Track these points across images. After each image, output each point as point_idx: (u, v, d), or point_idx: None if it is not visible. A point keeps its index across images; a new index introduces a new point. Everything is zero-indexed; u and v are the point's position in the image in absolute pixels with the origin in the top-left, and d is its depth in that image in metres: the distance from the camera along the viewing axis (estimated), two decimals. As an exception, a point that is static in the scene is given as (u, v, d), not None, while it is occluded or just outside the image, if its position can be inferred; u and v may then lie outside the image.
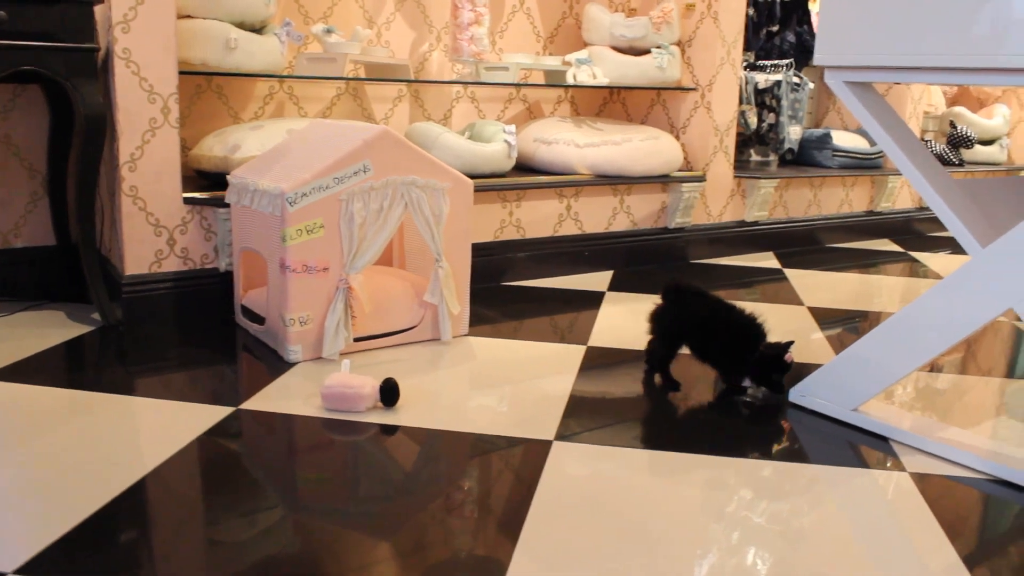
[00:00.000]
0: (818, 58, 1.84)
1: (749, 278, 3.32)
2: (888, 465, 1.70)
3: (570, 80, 3.26)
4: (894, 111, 1.88)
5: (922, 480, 1.63)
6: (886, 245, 4.26)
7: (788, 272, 3.46)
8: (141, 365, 2.09)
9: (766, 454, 1.72)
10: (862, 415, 1.89)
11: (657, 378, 2.11)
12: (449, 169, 2.26)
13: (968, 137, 4.78)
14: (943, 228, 4.77)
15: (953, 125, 4.81)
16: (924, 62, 1.69)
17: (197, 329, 2.36)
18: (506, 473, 1.58)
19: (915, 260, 3.89)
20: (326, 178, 2.06)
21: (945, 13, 1.65)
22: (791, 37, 4.12)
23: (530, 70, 3.35)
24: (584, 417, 1.86)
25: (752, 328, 2.02)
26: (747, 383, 2.06)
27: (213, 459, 1.59)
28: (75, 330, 2.32)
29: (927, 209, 4.62)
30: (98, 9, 2.23)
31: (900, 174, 4.18)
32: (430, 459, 1.64)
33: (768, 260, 3.68)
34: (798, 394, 2.00)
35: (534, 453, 1.66)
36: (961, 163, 4.78)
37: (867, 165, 4.24)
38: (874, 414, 1.89)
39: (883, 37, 1.74)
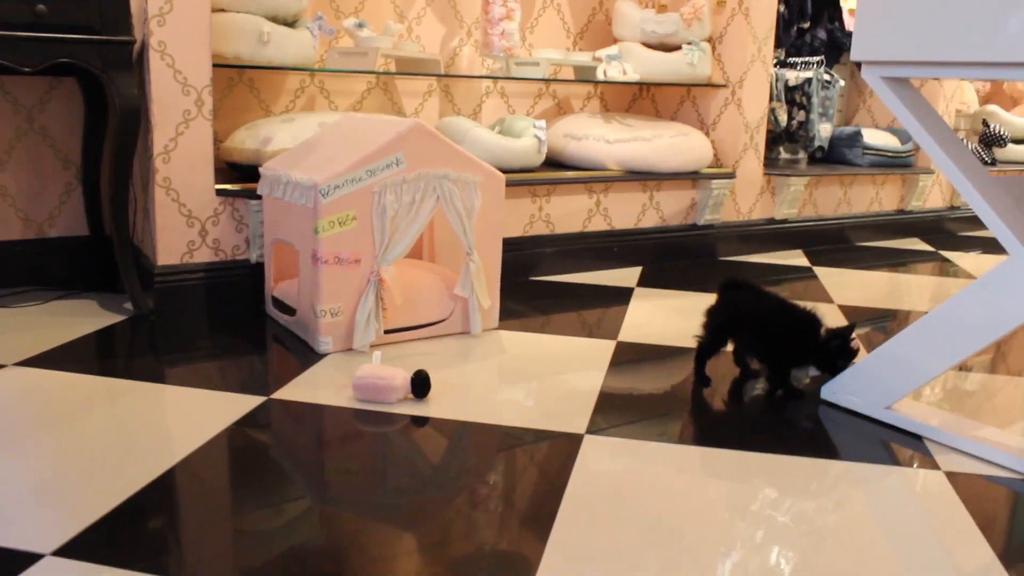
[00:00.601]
0: (855, 54, 1.83)
1: (778, 276, 3.30)
2: (921, 463, 1.68)
3: (600, 76, 3.25)
4: (931, 107, 1.86)
5: (956, 479, 1.62)
6: (916, 244, 4.22)
7: (818, 270, 3.43)
8: (172, 354, 2.11)
9: (796, 451, 1.71)
10: (895, 413, 1.87)
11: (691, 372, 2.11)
12: (481, 163, 2.26)
13: (1001, 136, 4.72)
14: (974, 228, 4.72)
15: (986, 123, 4.75)
16: (961, 56, 1.67)
17: (228, 320, 2.38)
18: (535, 467, 1.58)
19: (945, 259, 3.84)
20: (359, 170, 2.06)
21: (982, 7, 1.63)
22: (822, 34, 4.09)
23: (560, 65, 3.34)
24: (614, 412, 1.85)
25: (813, 322, 2.01)
26: (805, 374, 2.03)
27: (243, 448, 1.60)
28: (107, 319, 2.35)
29: (958, 208, 4.58)
30: (134, 2, 2.25)
31: (931, 173, 4.15)
32: (460, 452, 1.64)
33: (797, 258, 3.66)
34: (830, 391, 1.98)
35: (564, 448, 1.66)
36: (994, 162, 4.73)
37: (898, 164, 4.20)
38: (907, 412, 1.87)
39: (920, 32, 1.72)
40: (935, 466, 1.67)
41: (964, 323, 1.73)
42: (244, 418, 1.73)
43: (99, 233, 2.68)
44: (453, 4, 3.24)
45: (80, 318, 2.35)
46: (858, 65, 4.42)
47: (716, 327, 2.07)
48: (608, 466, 1.59)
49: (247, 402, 1.81)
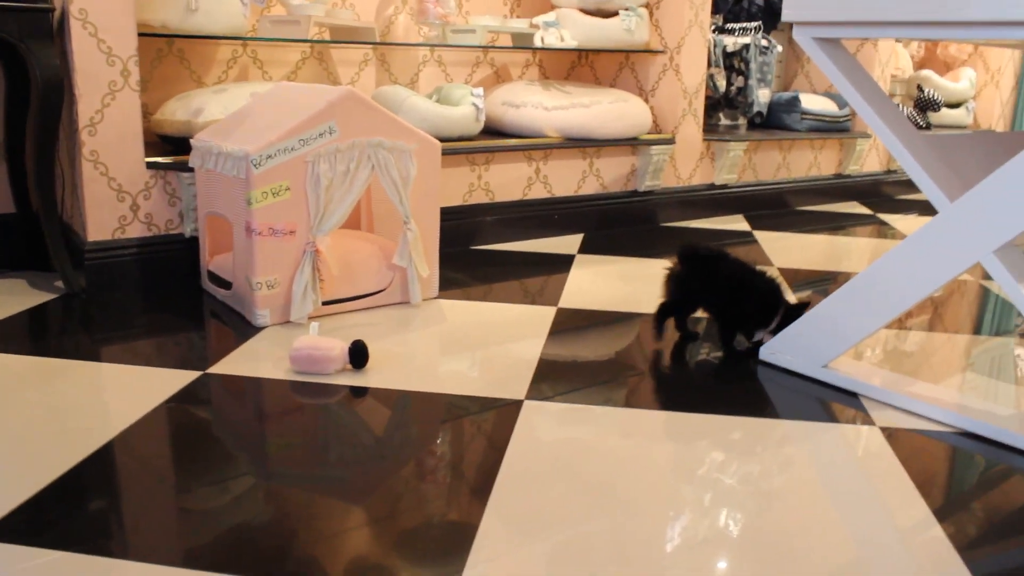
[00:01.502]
0: (786, 14, 1.83)
1: (719, 240, 3.33)
2: (858, 420, 1.72)
3: (538, 43, 3.23)
4: (864, 69, 1.88)
5: (892, 435, 1.65)
6: (854, 208, 4.28)
7: (758, 234, 3.47)
8: (106, 332, 2.06)
9: (736, 411, 1.73)
10: (832, 371, 1.90)
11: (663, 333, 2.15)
12: (416, 130, 2.23)
13: (935, 100, 4.81)
14: (911, 191, 4.81)
15: (920, 88, 4.83)
16: (894, 16, 1.68)
17: (163, 295, 2.33)
18: (477, 436, 1.57)
19: (883, 223, 3.91)
20: (291, 140, 2.03)
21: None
22: (759, 0, 4.11)
23: (497, 33, 3.31)
24: (554, 378, 1.86)
25: (773, 288, 2.05)
26: (759, 337, 2.07)
27: (181, 424, 1.57)
28: (37, 298, 2.29)
29: (895, 172, 4.66)
30: (53, -32, 2.17)
31: (868, 137, 4.21)
32: (401, 422, 1.63)
33: (738, 223, 3.70)
34: (768, 352, 2.01)
35: (505, 415, 1.66)
36: (928, 126, 4.81)
37: (835, 128, 4.26)
38: (844, 371, 1.91)
39: (850, -8, 1.73)
40: (871, 422, 1.71)
41: (896, 281, 1.76)
42: (180, 392, 1.70)
43: (26, 210, 2.59)
44: (388, -29, 3.19)
45: (9, 297, 2.28)
46: (790, 26, 4.45)
47: (686, 292, 2.09)
48: (549, 432, 1.59)
49: (183, 377, 1.78)
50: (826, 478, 1.46)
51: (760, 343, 2.04)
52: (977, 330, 2.35)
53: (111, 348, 1.95)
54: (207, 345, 2.02)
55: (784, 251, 3.18)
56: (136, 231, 2.35)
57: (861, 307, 1.81)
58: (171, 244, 2.41)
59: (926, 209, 4.34)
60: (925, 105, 4.81)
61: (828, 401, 1.81)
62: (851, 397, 1.83)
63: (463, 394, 1.74)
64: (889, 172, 4.63)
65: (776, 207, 4.05)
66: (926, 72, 4.95)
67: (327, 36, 2.97)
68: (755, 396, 1.82)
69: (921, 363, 2.07)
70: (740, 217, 3.82)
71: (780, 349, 1.99)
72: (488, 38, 3.14)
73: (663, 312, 2.11)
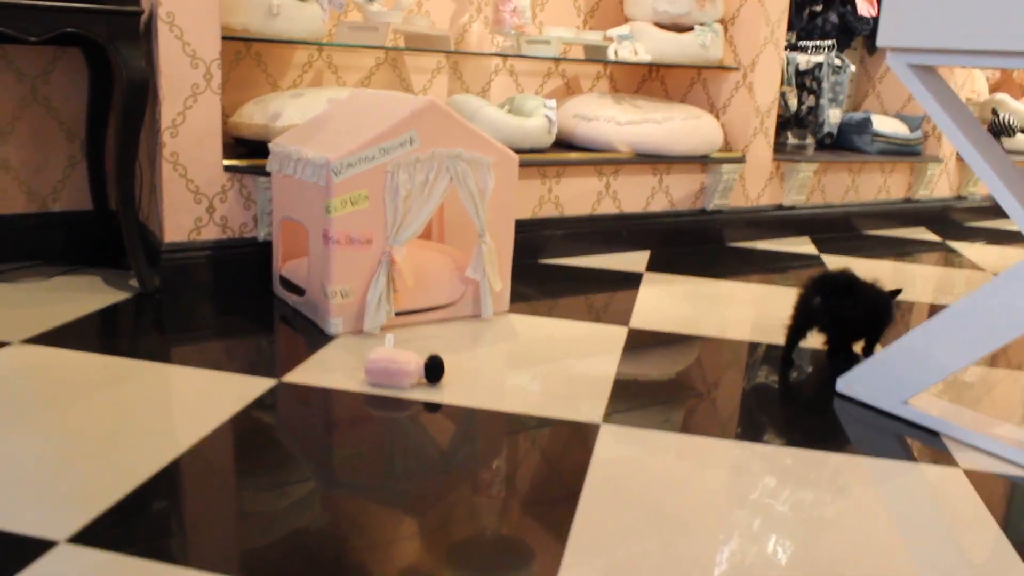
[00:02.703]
0: (882, 39, 1.79)
1: (787, 263, 3.27)
2: (940, 460, 1.66)
3: (611, 56, 3.21)
4: (956, 95, 1.83)
5: (975, 477, 1.60)
6: (922, 233, 4.19)
7: (826, 258, 3.41)
8: (179, 333, 2.07)
9: (814, 444, 1.69)
10: (911, 408, 1.85)
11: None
12: (494, 143, 2.22)
13: (1010, 126, 4.69)
14: (979, 218, 4.70)
15: (995, 112, 4.71)
16: (997, 45, 1.63)
17: (235, 299, 2.34)
18: (551, 457, 1.55)
19: (951, 250, 3.82)
20: (372, 148, 2.02)
21: (1020, -5, 1.59)
22: (834, 18, 4.04)
23: (570, 44, 3.29)
24: (629, 401, 1.82)
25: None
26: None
27: (255, 433, 1.57)
28: (112, 296, 2.31)
29: (964, 198, 4.55)
30: (143, -29, 2.19)
31: (940, 161, 4.12)
32: (473, 439, 1.62)
33: (805, 245, 3.63)
34: (845, 384, 1.96)
35: (580, 437, 1.63)
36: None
37: (906, 152, 4.17)
38: (923, 407, 1.85)
39: (950, 19, 1.68)
40: (954, 463, 1.65)
41: (987, 318, 1.70)
42: (256, 401, 1.70)
43: (103, 208, 2.63)
44: (464, -20, 3.18)
45: (84, 295, 2.31)
46: (869, 49, 4.37)
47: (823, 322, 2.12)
48: (626, 457, 1.56)
49: (257, 384, 1.78)
50: (905, 518, 1.42)
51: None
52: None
53: (184, 350, 1.96)
54: (279, 352, 2.03)
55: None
56: (211, 233, 2.37)
57: (950, 342, 1.76)
58: (244, 247, 2.42)
59: (993, 237, 4.23)
60: (999, 130, 4.69)
61: (908, 438, 1.76)
62: (932, 436, 1.78)
63: (536, 414, 1.72)
64: (959, 198, 4.52)
65: (843, 230, 3.97)
66: (1001, 96, 4.83)
67: (402, 43, 2.97)
68: (832, 429, 1.77)
69: (999, 401, 2.01)
70: (807, 239, 3.76)
71: (858, 381, 1.94)
72: (562, 49, 3.12)
73: (795, 339, 2.12)
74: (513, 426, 1.67)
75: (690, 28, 3.34)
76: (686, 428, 1.71)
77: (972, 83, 4.61)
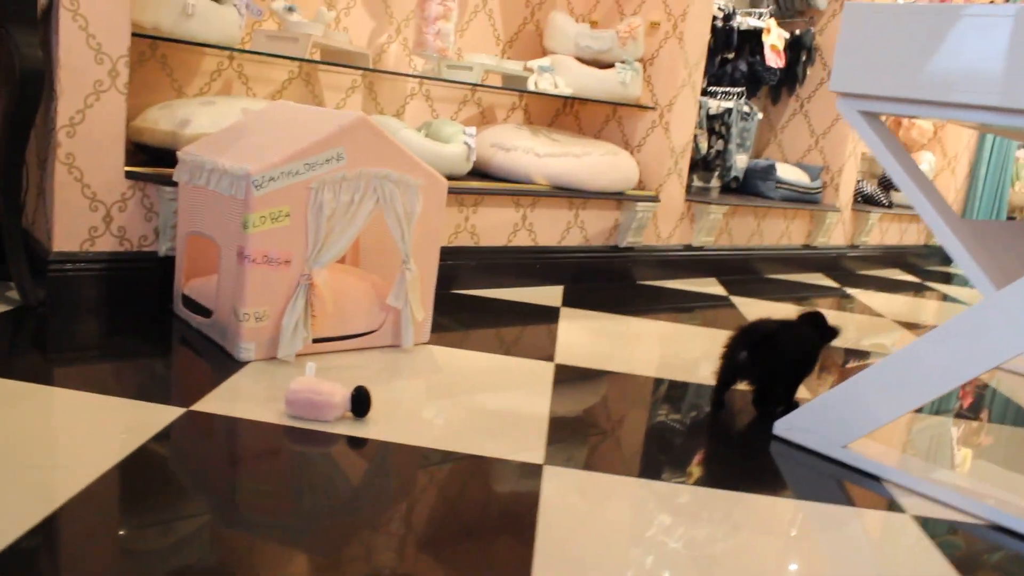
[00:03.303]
0: (835, 83, 1.77)
1: (699, 303, 3.26)
2: (887, 507, 1.63)
3: (531, 87, 3.15)
4: (899, 144, 1.83)
5: (927, 525, 1.57)
6: (820, 279, 4.28)
7: (735, 299, 3.42)
8: (70, 353, 1.86)
9: (755, 487, 1.63)
10: (852, 452, 1.82)
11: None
12: (424, 165, 2.11)
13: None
14: (869, 267, 4.85)
15: (885, 167, 4.90)
16: (956, 98, 1.62)
17: (131, 317, 2.13)
18: (491, 497, 1.43)
19: (847, 296, 3.91)
20: (296, 163, 1.88)
21: (973, 48, 1.60)
22: (743, 66, 4.11)
23: (490, 72, 3.22)
24: (566, 441, 1.73)
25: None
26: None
27: (163, 467, 1.40)
28: (-12, 310, 2.07)
29: (857, 247, 4.70)
30: (45, -46, 2.00)
31: (837, 211, 4.23)
32: (400, 476, 1.48)
33: (713, 286, 3.64)
34: (784, 427, 1.92)
35: (522, 478, 1.52)
36: (891, 204, 4.88)
37: (806, 199, 4.27)
38: (863, 451, 1.83)
39: (902, 69, 1.68)
40: (900, 509, 1.62)
41: (936, 364, 1.69)
42: (161, 432, 1.51)
43: (-22, 212, 2.37)
44: (385, -2, 3.07)
45: (-46, 306, 2.06)
46: (773, 99, 4.47)
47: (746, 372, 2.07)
48: (570, 503, 1.46)
49: (163, 413, 1.59)
50: (863, 566, 1.36)
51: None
52: (998, 418, 2.32)
53: (75, 372, 1.75)
54: (185, 378, 1.84)
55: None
56: (106, 244, 2.16)
57: (894, 388, 1.73)
58: (143, 262, 2.22)
59: (882, 285, 4.37)
60: (889, 184, 4.88)
61: (850, 483, 1.72)
62: (873, 481, 1.75)
63: (474, 453, 1.60)
64: (852, 247, 4.66)
65: (746, 273, 4.02)
66: (890, 153, 5.02)
67: (318, 57, 2.83)
68: (771, 473, 1.72)
69: (937, 447, 2.01)
70: (714, 280, 3.77)
71: (796, 425, 1.90)
72: (482, 76, 3.04)
73: (723, 387, 2.07)
74: (447, 464, 1.54)
75: (610, 65, 3.32)
76: (637, 472, 1.63)
77: (866, 138, 4.77)
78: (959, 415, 2.31)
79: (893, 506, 1.64)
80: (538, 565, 1.24)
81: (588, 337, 2.52)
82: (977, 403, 2.45)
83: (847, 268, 4.68)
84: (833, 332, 2.13)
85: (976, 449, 2.07)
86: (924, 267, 5.40)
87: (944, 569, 1.40)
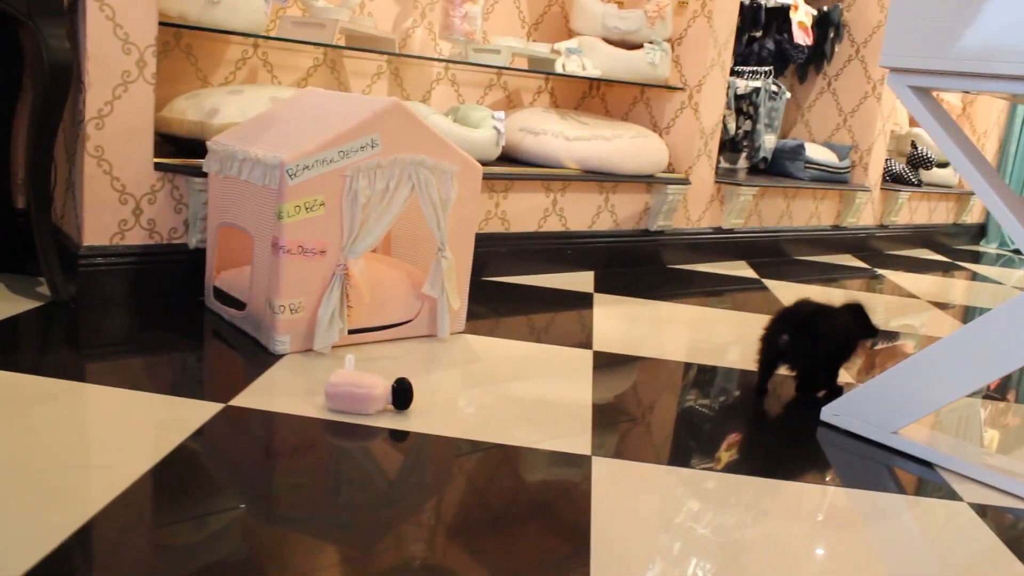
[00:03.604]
0: (884, 59, 1.72)
1: (732, 287, 3.21)
2: (942, 494, 1.58)
3: (559, 69, 3.10)
4: (950, 117, 1.77)
5: (985, 513, 1.52)
6: (849, 260, 4.22)
7: (767, 283, 3.36)
8: (104, 349, 1.84)
9: (804, 477, 1.59)
10: (902, 438, 1.77)
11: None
12: (459, 151, 2.06)
13: (927, 158, 4.80)
14: (899, 247, 4.78)
15: (914, 145, 4.82)
16: (1005, 69, 1.57)
17: (163, 311, 2.10)
18: (544, 491, 1.40)
19: (878, 276, 3.85)
20: (331, 151, 1.84)
21: (1020, 20, 1.55)
22: (770, 44, 4.04)
23: (518, 55, 3.17)
24: (611, 431, 1.69)
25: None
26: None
27: (204, 465, 1.37)
28: (19, 305, 2.04)
29: (887, 227, 4.62)
30: (70, -58, 1.96)
31: (868, 191, 4.16)
32: (450, 471, 1.45)
33: (744, 269, 3.59)
34: (831, 413, 1.87)
35: (573, 469, 1.49)
36: (919, 183, 4.80)
37: (835, 179, 4.20)
38: (913, 437, 1.78)
39: (952, 42, 1.63)
40: (956, 496, 1.58)
41: (988, 348, 1.64)
42: (202, 429, 1.48)
43: (6, 206, 2.35)
44: (409, -19, 3.02)
45: (-14, 302, 2.04)
46: (800, 77, 4.39)
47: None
48: (622, 493, 1.42)
49: (202, 409, 1.56)
50: (924, 560, 1.32)
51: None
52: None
53: (111, 369, 1.73)
54: (222, 372, 1.81)
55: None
56: (136, 238, 2.13)
57: (949, 371, 1.69)
58: (173, 255, 2.19)
59: (912, 265, 4.30)
60: (917, 162, 4.80)
61: (903, 470, 1.68)
62: (926, 467, 1.70)
63: (520, 445, 1.56)
64: (882, 227, 4.59)
65: (775, 255, 3.96)
66: (919, 129, 4.94)
67: (343, 43, 2.79)
68: (819, 461, 1.68)
69: (997, 432, 1.96)
70: (744, 263, 3.72)
71: (844, 411, 1.86)
72: (510, 59, 2.99)
73: (766, 373, 2.03)
74: (495, 457, 1.51)
75: (639, 45, 3.26)
76: (681, 462, 1.59)
77: (896, 116, 4.70)
78: (1010, 399, 2.26)
79: (948, 493, 1.60)
80: (596, 557, 1.20)
81: (624, 323, 2.48)
82: (1024, 385, 2.40)
83: (876, 248, 4.60)
84: (871, 331, 2.07)
85: (1029, 433, 2.02)
86: (953, 246, 5.31)
87: (1006, 558, 1.36)
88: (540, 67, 3.13)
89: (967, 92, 1.72)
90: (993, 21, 1.58)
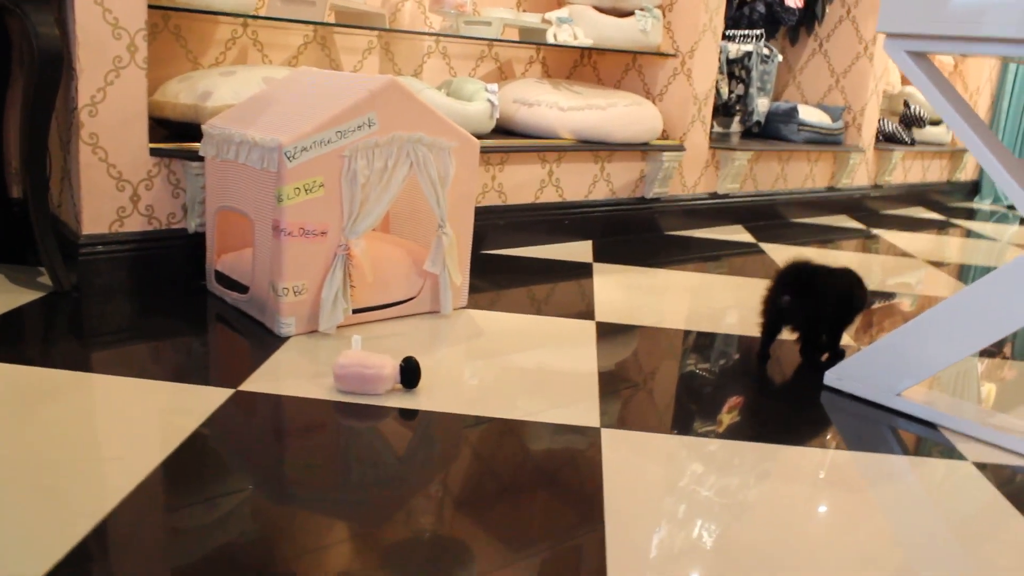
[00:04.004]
0: (881, 24, 1.71)
1: (730, 251, 3.22)
2: (947, 454, 1.61)
3: (550, 39, 3.08)
4: (948, 81, 1.77)
5: (988, 470, 1.54)
6: (845, 221, 4.23)
7: (764, 246, 3.37)
8: (110, 336, 1.84)
9: (811, 441, 1.61)
10: (905, 400, 1.79)
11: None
12: (456, 127, 2.06)
13: (920, 117, 4.79)
14: (895, 206, 4.79)
15: (907, 104, 4.81)
16: (998, 32, 1.58)
17: (165, 297, 2.10)
18: (556, 464, 1.41)
19: (873, 236, 3.86)
20: (328, 131, 1.83)
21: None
22: (761, 8, 4.02)
23: (509, 26, 3.15)
24: (618, 402, 1.70)
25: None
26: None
27: (221, 451, 1.38)
28: (21, 296, 2.04)
29: (880, 187, 4.63)
30: (55, -73, 1.94)
31: (861, 151, 4.16)
32: (476, 449, 1.46)
33: (740, 234, 3.59)
34: (834, 377, 1.89)
35: (581, 442, 1.50)
36: (913, 142, 4.80)
37: (829, 141, 4.20)
38: (915, 398, 1.80)
39: (948, 6, 1.62)
40: (959, 456, 1.60)
41: (990, 308, 1.65)
42: (215, 414, 1.49)
43: (1, 196, 2.34)
44: (397, -45, 2.99)
45: (-13, 294, 2.04)
46: (791, 40, 4.37)
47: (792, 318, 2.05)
48: (632, 463, 1.44)
49: (213, 395, 1.57)
50: (931, 519, 1.34)
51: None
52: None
53: (119, 357, 1.73)
54: (228, 356, 1.82)
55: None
56: (135, 224, 2.13)
57: (951, 333, 1.70)
58: (172, 240, 2.18)
59: (907, 224, 4.32)
60: (910, 121, 4.79)
61: (907, 431, 1.70)
62: (930, 428, 1.72)
63: (531, 419, 1.58)
64: (876, 187, 4.60)
65: (771, 218, 3.97)
66: (911, 88, 4.93)
67: (332, 19, 2.77)
68: (824, 424, 1.70)
69: (990, 389, 1.98)
70: (740, 228, 3.72)
71: (847, 375, 1.87)
72: (501, 31, 2.97)
73: (769, 336, 2.05)
74: (515, 435, 1.52)
75: (629, 13, 3.24)
76: (679, 428, 1.60)
77: (888, 76, 4.69)
78: (1011, 357, 2.28)
79: (952, 453, 1.62)
80: (611, 535, 1.22)
81: (624, 292, 2.49)
82: None
83: (871, 208, 4.61)
84: (860, 300, 2.07)
85: (1030, 390, 2.04)
86: (948, 204, 5.33)
87: (1010, 515, 1.38)
88: (531, 38, 3.11)
89: (963, 56, 1.72)
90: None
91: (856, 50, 4.26)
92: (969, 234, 4.28)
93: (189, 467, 1.31)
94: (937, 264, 3.37)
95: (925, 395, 1.85)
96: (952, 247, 3.83)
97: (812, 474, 1.47)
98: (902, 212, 4.76)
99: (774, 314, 2.01)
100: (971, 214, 5.01)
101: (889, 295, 2.80)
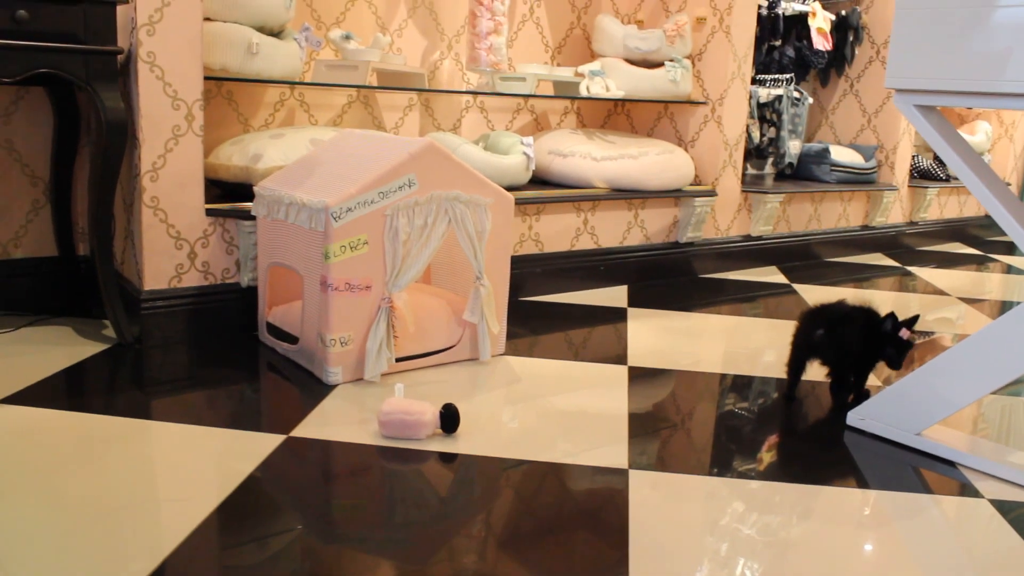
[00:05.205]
0: (890, 81, 1.80)
1: (762, 292, 3.29)
2: (962, 492, 1.66)
3: (583, 92, 3.20)
4: (955, 130, 1.85)
5: (1003, 507, 1.60)
6: (880, 259, 4.27)
7: (797, 287, 3.44)
8: (168, 385, 1.97)
9: (834, 481, 1.67)
10: (925, 439, 1.85)
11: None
12: (491, 184, 2.18)
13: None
14: (929, 242, 4.81)
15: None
16: (1002, 88, 1.65)
17: (219, 348, 2.24)
18: (586, 505, 1.50)
19: (909, 274, 3.90)
20: (371, 192, 1.96)
21: (1019, 41, 1.62)
22: (790, 52, 4.11)
23: (540, 80, 3.28)
24: (647, 444, 1.79)
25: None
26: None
27: (274, 494, 1.49)
28: (87, 348, 2.19)
29: (916, 224, 4.66)
30: (120, 10, 2.11)
31: (895, 189, 4.21)
32: (510, 492, 1.56)
33: (774, 275, 3.66)
34: (857, 417, 1.95)
35: (612, 482, 1.59)
36: (948, 178, 4.83)
37: (862, 180, 4.26)
38: (936, 438, 1.86)
39: (955, 63, 1.71)
40: (976, 494, 1.65)
41: (1008, 347, 1.71)
42: (268, 460, 1.61)
43: (69, 253, 2.51)
44: (435, 16, 3.15)
45: (57, 347, 2.18)
46: (822, 81, 4.45)
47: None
48: (660, 504, 1.52)
49: (265, 441, 1.69)
50: (945, 557, 1.40)
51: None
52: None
53: (179, 405, 1.86)
54: (279, 404, 1.94)
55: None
56: (192, 280, 2.27)
57: (969, 372, 1.76)
58: (227, 294, 2.32)
59: (943, 260, 4.34)
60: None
61: (927, 470, 1.76)
62: (949, 466, 1.78)
63: (564, 461, 1.67)
64: (911, 224, 4.63)
65: (806, 258, 4.02)
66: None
67: (374, 81, 2.92)
68: (848, 465, 1.76)
69: (1010, 428, 2.03)
70: (774, 269, 3.79)
71: (870, 415, 1.94)
72: (536, 86, 3.10)
73: (797, 373, 2.12)
74: (549, 477, 1.61)
75: (660, 64, 3.36)
76: (715, 470, 1.68)
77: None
78: (1035, 394, 2.32)
79: (969, 491, 1.67)
80: (635, 558, 1.30)
81: (658, 336, 2.58)
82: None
83: (907, 245, 4.65)
84: (896, 340, 2.11)
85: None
86: (986, 238, 5.33)
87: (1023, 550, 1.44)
88: (565, 91, 3.24)
89: (971, 108, 1.80)
90: (996, 41, 1.65)
91: (886, 90, 4.33)
92: (1009, 269, 4.29)
93: (244, 509, 1.42)
94: (971, 301, 3.40)
95: (945, 434, 1.90)
96: (988, 283, 3.86)
97: (836, 513, 1.54)
98: (939, 248, 4.78)
99: (804, 348, 2.08)
100: (1010, 248, 5.01)
101: (924, 333, 2.84)
